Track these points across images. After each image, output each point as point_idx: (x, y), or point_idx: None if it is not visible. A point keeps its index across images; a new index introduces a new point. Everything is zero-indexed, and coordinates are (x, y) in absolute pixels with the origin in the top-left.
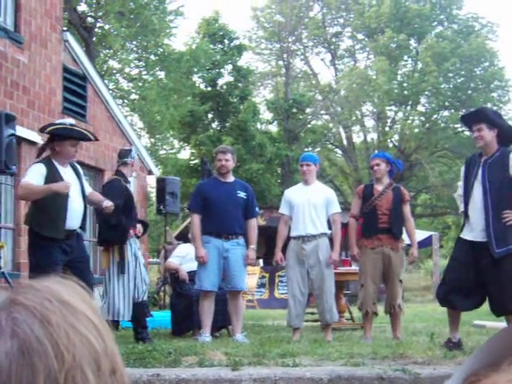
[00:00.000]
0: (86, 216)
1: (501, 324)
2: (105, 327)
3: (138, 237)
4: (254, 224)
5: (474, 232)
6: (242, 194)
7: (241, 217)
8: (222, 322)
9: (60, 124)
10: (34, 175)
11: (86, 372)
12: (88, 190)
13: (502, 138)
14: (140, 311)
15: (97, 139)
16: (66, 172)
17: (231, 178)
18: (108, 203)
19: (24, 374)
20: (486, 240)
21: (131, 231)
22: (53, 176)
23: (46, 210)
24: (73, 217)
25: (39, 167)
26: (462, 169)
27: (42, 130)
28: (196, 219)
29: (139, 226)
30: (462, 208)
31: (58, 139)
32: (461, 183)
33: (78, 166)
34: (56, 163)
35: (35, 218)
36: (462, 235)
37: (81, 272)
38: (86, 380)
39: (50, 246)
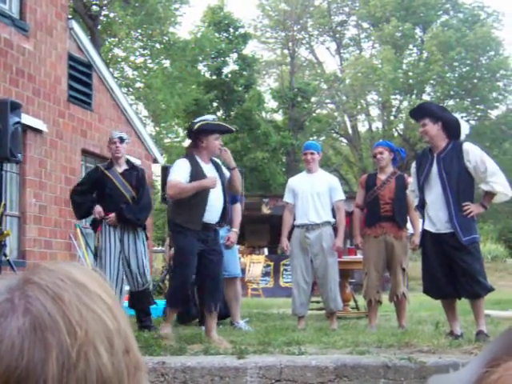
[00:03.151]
0: (226, 211)
1: (506, 313)
2: (119, 309)
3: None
4: (239, 208)
5: (436, 225)
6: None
7: (230, 203)
8: (225, 311)
9: (203, 120)
10: (181, 172)
11: (99, 348)
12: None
13: (449, 131)
14: (143, 299)
15: (237, 131)
16: (208, 168)
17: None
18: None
19: (36, 350)
20: (451, 231)
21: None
22: (196, 173)
23: (186, 202)
24: (212, 211)
25: (184, 163)
26: (413, 165)
27: (190, 129)
28: None
29: (112, 214)
30: (416, 202)
31: (204, 134)
32: (412, 179)
33: (218, 161)
34: (199, 159)
35: (176, 209)
36: (425, 227)
37: (211, 263)
38: (99, 356)
39: (188, 233)
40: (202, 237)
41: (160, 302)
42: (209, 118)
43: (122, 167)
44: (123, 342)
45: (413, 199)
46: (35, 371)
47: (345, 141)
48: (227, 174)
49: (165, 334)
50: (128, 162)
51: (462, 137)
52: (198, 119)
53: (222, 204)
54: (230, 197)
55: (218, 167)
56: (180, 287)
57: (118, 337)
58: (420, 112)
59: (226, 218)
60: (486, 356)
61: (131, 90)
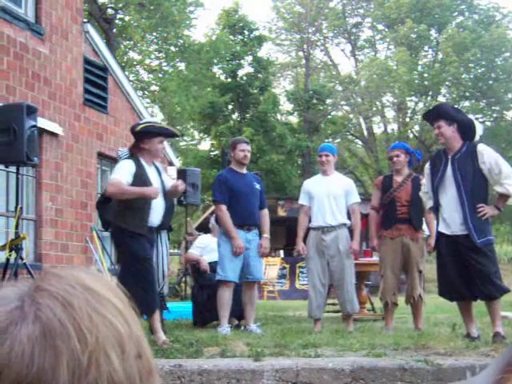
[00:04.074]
0: (168, 213)
1: None
2: (131, 314)
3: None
4: (267, 214)
5: (451, 227)
6: (257, 186)
7: (258, 208)
8: (240, 314)
9: (147, 122)
10: (125, 173)
11: (110, 354)
12: (168, 185)
13: (464, 132)
14: None
15: (182, 135)
16: (151, 171)
17: (245, 170)
18: (179, 183)
19: (47, 357)
20: (466, 233)
21: None
22: (140, 174)
23: (131, 207)
24: (154, 214)
25: (129, 164)
26: (427, 166)
27: (132, 130)
28: (225, 210)
29: None
30: (430, 204)
31: (148, 137)
32: (425, 181)
33: (159, 164)
34: (143, 162)
35: (121, 214)
36: (440, 229)
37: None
38: (110, 362)
39: (139, 237)
40: (150, 240)
41: (175, 305)
42: (152, 120)
43: None
44: (135, 347)
45: (426, 201)
46: (46, 378)
47: (360, 143)
48: (168, 181)
49: (163, 341)
50: None
51: (476, 138)
52: (143, 121)
53: (163, 208)
54: (259, 202)
55: (159, 171)
56: (150, 295)
57: (130, 342)
58: (435, 114)
59: (167, 221)
60: (500, 362)
61: (146, 93)
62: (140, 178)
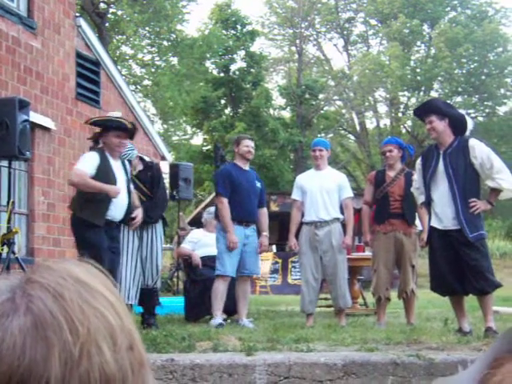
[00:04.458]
0: (130, 210)
1: None
2: (122, 307)
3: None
4: (266, 213)
5: (443, 222)
6: (258, 184)
7: (257, 206)
8: (233, 308)
9: (104, 117)
10: (89, 165)
11: (102, 346)
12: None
13: (455, 127)
14: (149, 298)
15: (135, 127)
16: (116, 165)
17: (247, 167)
18: (137, 212)
19: (38, 348)
20: (458, 227)
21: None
22: (104, 167)
23: (92, 199)
24: (116, 209)
25: (94, 157)
26: (419, 161)
27: (85, 122)
28: (226, 204)
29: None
30: (421, 200)
31: (104, 131)
32: (416, 176)
33: (126, 162)
34: (108, 155)
35: (80, 204)
36: (432, 224)
37: (112, 261)
38: (101, 353)
39: (96, 228)
40: (108, 232)
41: (167, 300)
42: (113, 114)
43: (136, 169)
44: (127, 339)
45: (417, 196)
46: (37, 370)
47: (353, 138)
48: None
49: None
50: (142, 159)
51: (467, 133)
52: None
53: (126, 203)
54: (258, 200)
55: (125, 168)
56: None
57: (122, 333)
58: (426, 109)
59: (129, 217)
60: (488, 356)
61: (139, 87)
62: (104, 172)
